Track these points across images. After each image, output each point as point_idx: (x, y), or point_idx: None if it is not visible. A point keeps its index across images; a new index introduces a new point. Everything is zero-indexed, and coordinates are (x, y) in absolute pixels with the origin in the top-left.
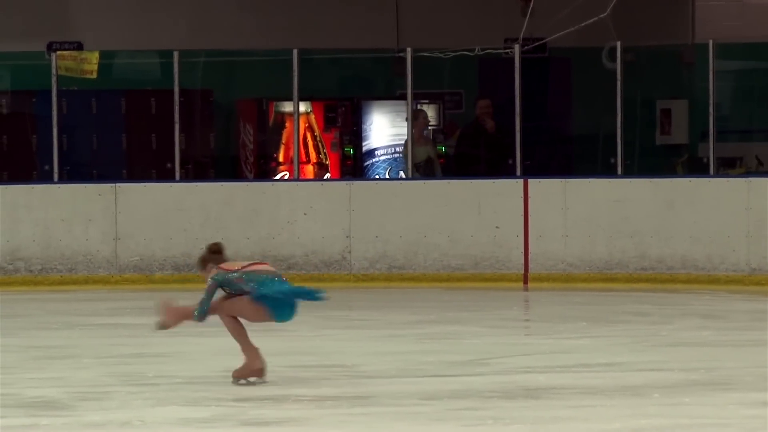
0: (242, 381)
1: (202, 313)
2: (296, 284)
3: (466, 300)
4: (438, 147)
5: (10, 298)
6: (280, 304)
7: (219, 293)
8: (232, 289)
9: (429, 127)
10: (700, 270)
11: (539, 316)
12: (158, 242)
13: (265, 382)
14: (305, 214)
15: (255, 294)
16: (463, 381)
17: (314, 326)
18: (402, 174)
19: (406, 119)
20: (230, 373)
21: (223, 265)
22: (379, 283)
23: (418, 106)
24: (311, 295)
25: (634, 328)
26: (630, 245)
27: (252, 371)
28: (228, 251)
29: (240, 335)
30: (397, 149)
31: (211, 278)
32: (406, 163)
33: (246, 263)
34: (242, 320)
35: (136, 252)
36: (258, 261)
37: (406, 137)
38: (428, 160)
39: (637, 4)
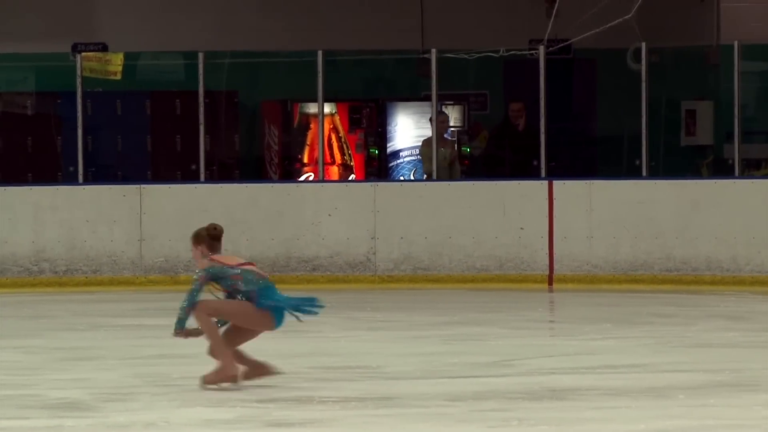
0: (212, 386)
1: (184, 317)
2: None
3: (490, 301)
4: (463, 148)
5: (35, 299)
6: (281, 313)
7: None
8: (225, 284)
9: (450, 129)
10: (725, 271)
11: (564, 317)
12: (183, 243)
13: (238, 388)
14: (330, 215)
15: (261, 302)
16: (487, 382)
17: (339, 327)
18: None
19: (430, 119)
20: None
21: (217, 257)
22: (404, 285)
23: (443, 108)
24: (309, 309)
25: (659, 329)
26: (655, 247)
27: (226, 377)
28: (253, 252)
29: (216, 337)
30: None
31: (205, 271)
32: (424, 163)
33: (240, 260)
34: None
35: (160, 253)
36: (246, 261)
37: (425, 137)
38: (445, 160)
39: (662, 5)
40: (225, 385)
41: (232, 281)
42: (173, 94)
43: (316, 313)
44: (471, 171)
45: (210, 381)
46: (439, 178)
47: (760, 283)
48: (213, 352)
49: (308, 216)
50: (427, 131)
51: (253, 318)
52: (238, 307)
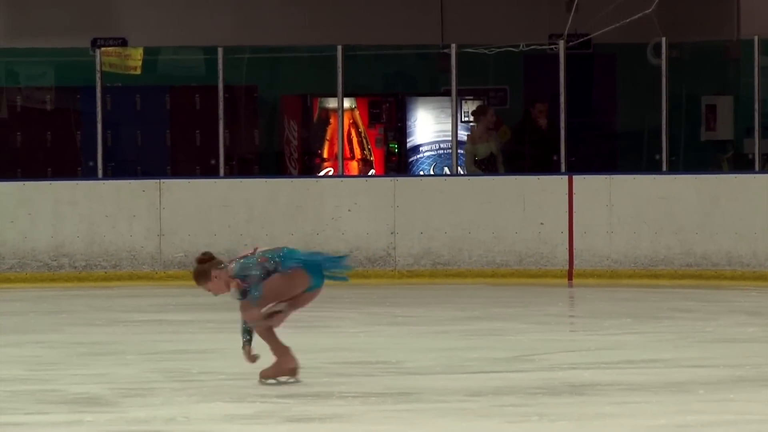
0: (271, 381)
1: (255, 298)
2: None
3: (510, 296)
4: None
5: (55, 294)
6: (314, 268)
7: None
8: (256, 275)
9: (471, 124)
10: (746, 266)
11: (584, 312)
12: (202, 238)
13: (298, 381)
14: (350, 210)
15: (284, 265)
16: (507, 377)
17: (358, 322)
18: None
19: (472, 113)
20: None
21: (232, 262)
22: (424, 280)
23: (463, 102)
24: (337, 264)
25: (679, 324)
26: (675, 242)
27: (284, 371)
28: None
29: (269, 333)
30: (442, 145)
31: (234, 271)
32: (467, 158)
33: (251, 250)
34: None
35: (180, 248)
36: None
37: (468, 133)
38: (491, 156)
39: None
40: (281, 379)
41: (260, 265)
42: (193, 89)
43: (345, 278)
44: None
45: (267, 375)
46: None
47: None
48: (271, 349)
49: (328, 211)
50: (448, 125)
51: (287, 284)
52: (270, 285)
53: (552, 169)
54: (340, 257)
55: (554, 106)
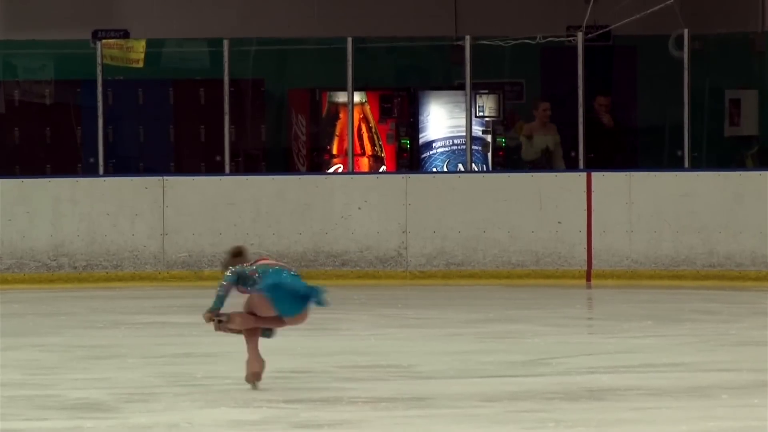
0: (249, 384)
1: (215, 308)
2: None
3: (527, 297)
4: (498, 139)
5: (54, 295)
6: (280, 296)
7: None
8: (247, 284)
9: (486, 119)
10: None
11: (603, 314)
12: (207, 237)
13: (257, 388)
14: (360, 208)
15: (261, 285)
16: (523, 382)
17: (369, 325)
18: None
19: (534, 108)
20: (282, 374)
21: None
22: (437, 280)
23: (478, 96)
24: (313, 294)
25: (702, 327)
26: (697, 241)
27: (247, 375)
28: (280, 246)
29: (251, 333)
30: (456, 141)
31: (228, 273)
32: (524, 149)
33: (259, 259)
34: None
35: (184, 248)
36: (268, 257)
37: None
38: (547, 150)
39: None
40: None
41: (250, 277)
42: (197, 83)
43: (321, 302)
44: (506, 162)
45: (246, 380)
46: (474, 170)
47: None
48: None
49: (337, 209)
50: (462, 120)
51: (252, 303)
52: (248, 299)
53: (570, 165)
54: (317, 292)
55: (572, 100)
